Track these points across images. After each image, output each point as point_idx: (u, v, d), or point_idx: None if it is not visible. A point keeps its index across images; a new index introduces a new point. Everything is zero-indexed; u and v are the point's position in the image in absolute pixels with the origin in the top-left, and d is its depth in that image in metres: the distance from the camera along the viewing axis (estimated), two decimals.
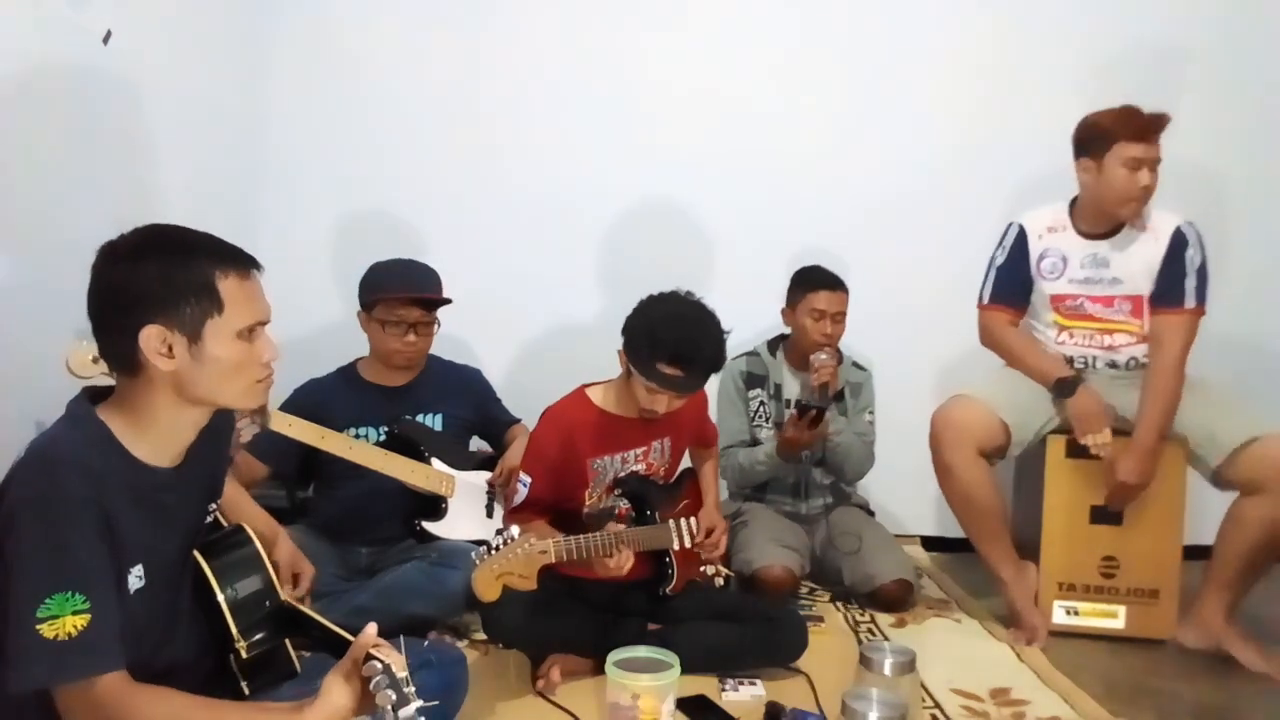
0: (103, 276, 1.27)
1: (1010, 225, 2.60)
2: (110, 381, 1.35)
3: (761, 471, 2.84)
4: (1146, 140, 2.35)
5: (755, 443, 2.89)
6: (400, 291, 2.48)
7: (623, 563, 1.98)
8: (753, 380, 2.90)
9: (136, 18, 2.37)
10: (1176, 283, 2.41)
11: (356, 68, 3.22)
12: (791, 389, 2.88)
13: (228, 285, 1.29)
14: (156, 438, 1.32)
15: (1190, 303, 2.40)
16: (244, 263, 1.33)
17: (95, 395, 1.34)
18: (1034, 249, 2.54)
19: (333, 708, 1.26)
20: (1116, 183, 2.38)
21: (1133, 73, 3.07)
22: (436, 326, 2.56)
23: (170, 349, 1.26)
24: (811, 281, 2.79)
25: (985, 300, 2.62)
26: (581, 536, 1.97)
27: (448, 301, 2.55)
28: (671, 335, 2.01)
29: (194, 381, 1.29)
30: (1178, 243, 2.41)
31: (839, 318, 2.78)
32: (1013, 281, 2.57)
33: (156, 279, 1.25)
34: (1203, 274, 2.42)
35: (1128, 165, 2.36)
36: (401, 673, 1.23)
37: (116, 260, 1.27)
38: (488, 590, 1.78)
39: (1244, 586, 2.36)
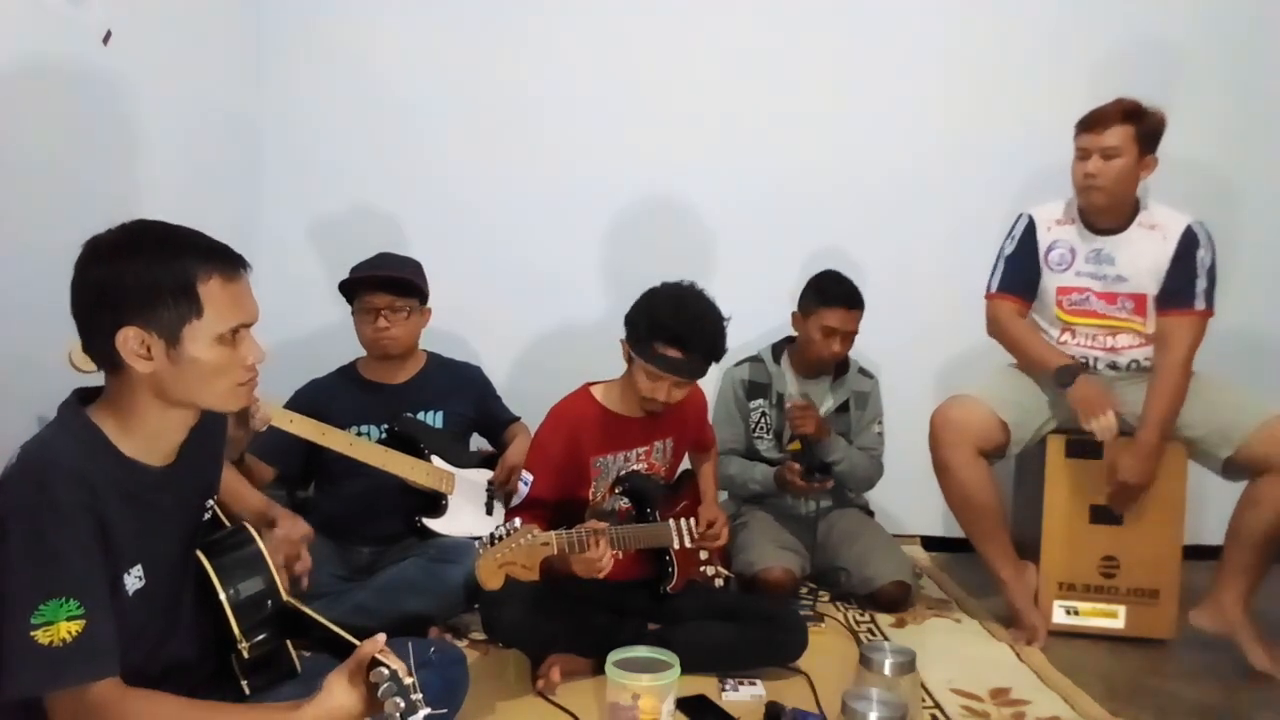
0: (84, 273, 1.26)
1: (1020, 216, 2.59)
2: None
3: (754, 490, 2.82)
4: (1091, 130, 2.39)
5: (752, 451, 2.87)
6: (360, 273, 2.52)
7: (597, 556, 1.93)
8: (755, 390, 2.85)
9: (136, 17, 2.37)
10: (1186, 284, 2.40)
11: (357, 68, 3.22)
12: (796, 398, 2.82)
13: (210, 288, 1.27)
14: (145, 436, 1.31)
15: (1200, 305, 2.40)
16: (229, 264, 1.30)
17: (85, 396, 1.33)
18: (1043, 240, 2.54)
19: (334, 706, 1.25)
20: (1073, 172, 2.44)
21: (1136, 70, 3.06)
22: (417, 314, 2.56)
23: (148, 350, 1.25)
24: (827, 296, 2.69)
25: (993, 290, 2.60)
26: (581, 528, 1.96)
27: (414, 285, 2.53)
28: (671, 317, 2.03)
29: (172, 383, 1.27)
30: (1188, 242, 2.41)
31: (849, 336, 2.73)
32: (1021, 272, 2.56)
33: (135, 280, 1.24)
34: (1212, 275, 2.41)
35: (1077, 154, 2.43)
36: (408, 679, 1.23)
37: (98, 258, 1.26)
38: (490, 579, 1.77)
39: (1261, 570, 2.35)
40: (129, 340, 1.24)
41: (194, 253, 1.28)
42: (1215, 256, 2.42)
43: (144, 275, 1.24)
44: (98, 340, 1.26)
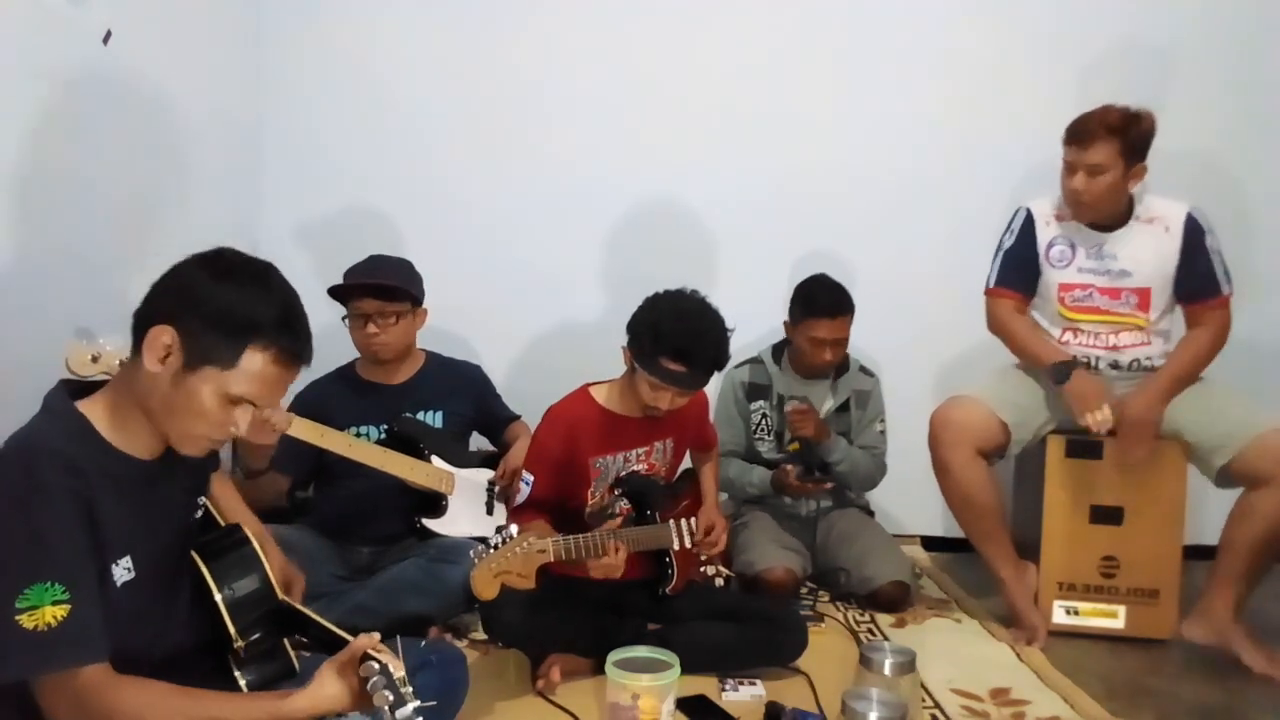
0: (190, 263, 1.29)
1: (1018, 210, 2.57)
2: (97, 378, 1.35)
3: (752, 493, 2.82)
4: (1075, 144, 2.37)
5: (752, 453, 2.87)
6: (347, 280, 2.49)
7: (617, 562, 1.96)
8: (755, 392, 2.85)
9: (136, 17, 2.37)
10: (1208, 274, 2.42)
11: (358, 68, 3.22)
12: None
13: (256, 356, 1.28)
14: (132, 429, 1.31)
15: (1225, 289, 2.42)
16: (293, 353, 1.31)
17: (75, 390, 1.34)
18: (1042, 235, 2.52)
19: (321, 696, 1.27)
20: (1061, 182, 2.44)
21: (1136, 68, 3.08)
22: (408, 318, 2.51)
23: (166, 357, 1.26)
24: (810, 308, 2.69)
25: (991, 285, 2.59)
26: (580, 535, 1.97)
27: (402, 291, 2.48)
28: (675, 330, 2.02)
29: (158, 395, 1.28)
30: (1193, 231, 2.41)
31: (839, 343, 2.72)
32: (1020, 267, 2.54)
33: (210, 300, 1.26)
34: (1222, 256, 2.43)
35: (1065, 166, 2.42)
36: (399, 673, 1.24)
37: (210, 262, 1.29)
38: (486, 589, 1.78)
39: (1251, 581, 2.35)
40: (162, 336, 1.25)
41: (273, 319, 1.29)
42: (1217, 236, 2.44)
43: (220, 302, 1.26)
44: (145, 318, 1.27)
